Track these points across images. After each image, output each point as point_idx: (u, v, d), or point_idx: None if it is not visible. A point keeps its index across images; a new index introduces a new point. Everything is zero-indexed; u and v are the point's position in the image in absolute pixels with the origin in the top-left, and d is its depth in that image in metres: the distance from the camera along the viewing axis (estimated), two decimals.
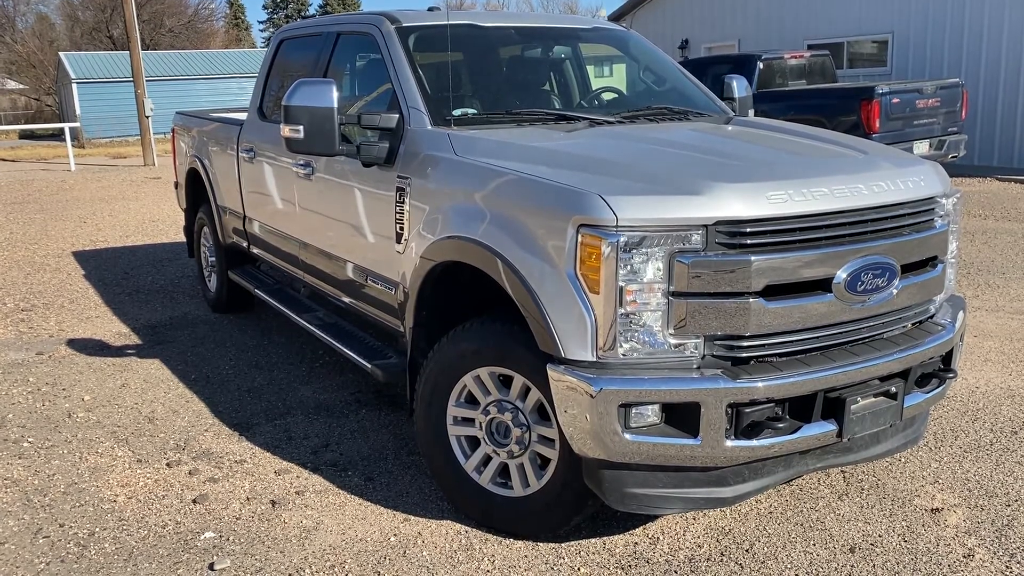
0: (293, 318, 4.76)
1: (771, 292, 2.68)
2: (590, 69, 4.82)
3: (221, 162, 5.73)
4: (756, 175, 2.83)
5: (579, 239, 2.65)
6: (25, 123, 36.59)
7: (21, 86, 47.33)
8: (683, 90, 4.35)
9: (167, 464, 3.85)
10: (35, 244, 9.44)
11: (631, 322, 2.65)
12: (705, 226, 2.62)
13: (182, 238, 8.12)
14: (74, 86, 30.65)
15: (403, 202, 3.51)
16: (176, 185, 6.93)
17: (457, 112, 3.61)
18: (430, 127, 3.53)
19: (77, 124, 27.04)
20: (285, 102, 3.51)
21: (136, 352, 5.45)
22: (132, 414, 4.44)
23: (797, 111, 10.00)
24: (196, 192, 6.41)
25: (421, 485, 3.60)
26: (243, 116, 5.58)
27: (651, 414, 2.71)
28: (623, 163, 3.00)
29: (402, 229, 3.54)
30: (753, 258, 2.62)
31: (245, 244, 5.54)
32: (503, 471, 3.20)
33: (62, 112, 35.29)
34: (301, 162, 4.37)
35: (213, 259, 6.26)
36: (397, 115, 3.61)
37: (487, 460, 3.22)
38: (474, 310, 3.31)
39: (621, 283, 2.61)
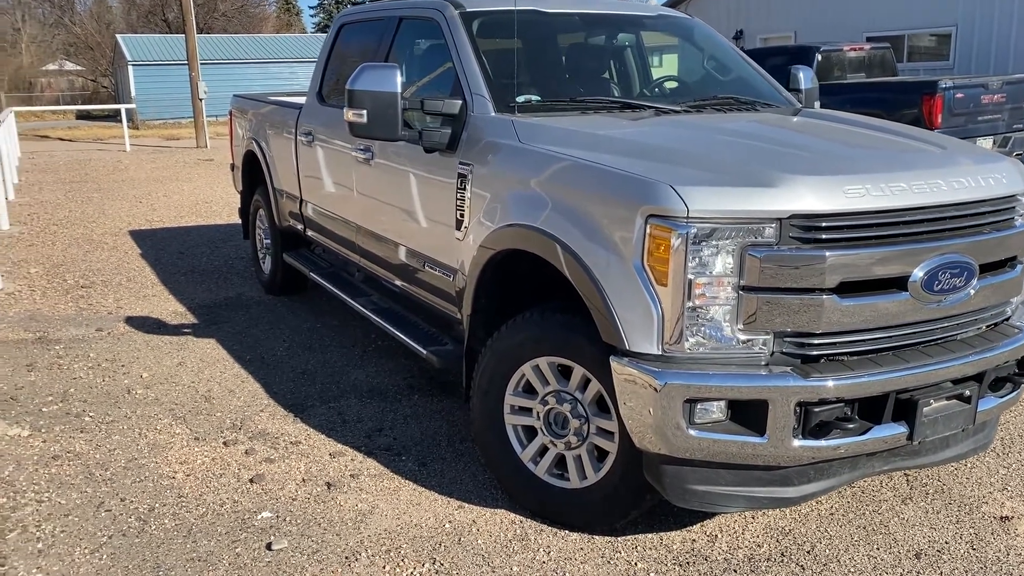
0: (348, 302, 4.79)
1: (845, 289, 2.61)
2: None
3: (278, 145, 5.77)
4: (832, 168, 2.76)
5: (648, 230, 2.60)
6: (82, 104, 37.38)
7: (79, 68, 48.38)
8: (749, 80, 4.26)
9: (224, 443, 3.89)
10: (93, 222, 9.64)
11: (699, 316, 2.60)
12: (779, 219, 2.55)
13: (235, 220, 8.26)
14: (130, 68, 31.20)
15: (464, 189, 3.49)
16: (232, 167, 7.00)
17: (520, 99, 3.58)
18: (493, 114, 3.50)
19: (132, 105, 27.52)
20: (349, 86, 3.51)
21: (192, 331, 5.53)
22: (189, 392, 4.50)
23: (856, 104, 9.74)
24: (252, 175, 6.47)
25: (475, 473, 3.59)
26: (301, 100, 5.60)
27: (716, 410, 2.66)
28: (693, 153, 2.94)
29: (462, 216, 3.52)
30: (828, 254, 2.55)
31: (300, 227, 5.57)
32: (559, 462, 3.17)
33: (117, 94, 35.97)
34: (361, 147, 4.37)
35: (268, 241, 6.32)
36: (460, 101, 3.59)
37: (543, 450, 3.20)
38: (534, 299, 3.29)
39: (690, 276, 2.56)
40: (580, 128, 3.29)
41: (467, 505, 3.33)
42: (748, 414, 2.64)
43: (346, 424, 4.11)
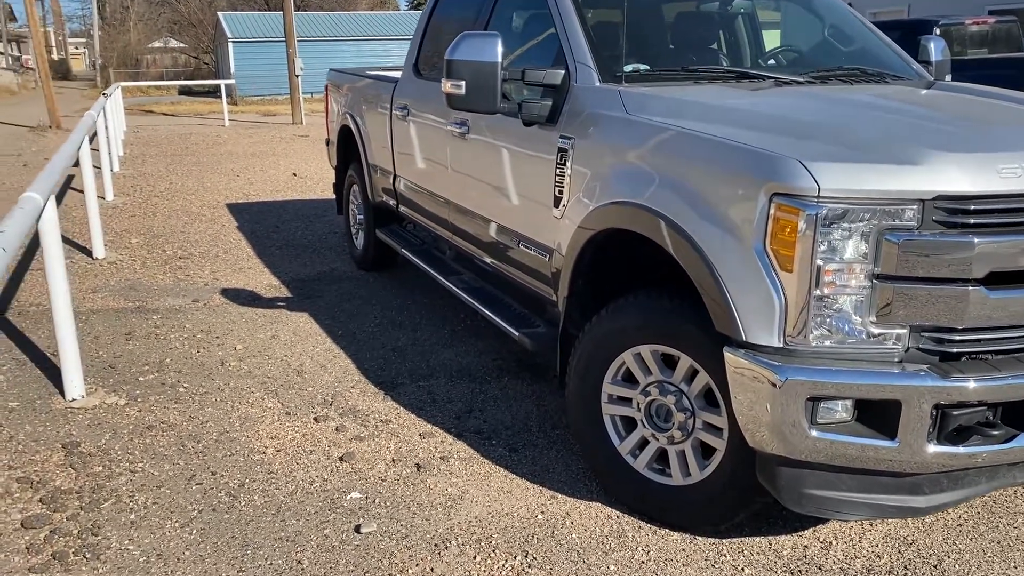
0: (440, 280, 4.68)
1: (993, 280, 2.33)
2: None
3: (373, 120, 5.70)
4: (983, 145, 2.47)
5: (772, 210, 2.37)
6: (184, 80, 38.64)
7: (182, 45, 50.02)
8: (875, 51, 3.93)
9: (315, 419, 3.84)
10: (192, 195, 9.85)
11: (826, 306, 2.36)
12: (922, 201, 2.29)
13: (329, 195, 8.27)
14: (230, 45, 32.06)
15: (564, 164, 3.31)
16: (327, 142, 6.99)
17: (628, 68, 3.37)
18: (598, 84, 3.30)
19: (232, 81, 28.24)
20: (448, 56, 3.37)
21: (286, 305, 5.54)
22: (282, 366, 4.48)
23: (979, 82, 9.12)
24: (347, 150, 6.44)
25: (568, 461, 3.44)
26: (397, 75, 5.51)
27: (842, 410, 2.43)
28: (823, 126, 2.68)
29: (561, 193, 3.34)
30: (977, 240, 2.27)
31: (393, 203, 5.50)
32: (661, 456, 2.98)
33: (218, 70, 37.03)
34: (456, 121, 4.24)
35: (361, 217, 6.28)
36: (563, 71, 3.40)
37: (644, 443, 3.01)
38: (637, 283, 3.09)
39: (818, 262, 2.32)
40: (694, 99, 3.06)
41: (560, 496, 3.18)
42: (877, 415, 2.40)
43: (436, 404, 4.02)
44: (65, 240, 7.29)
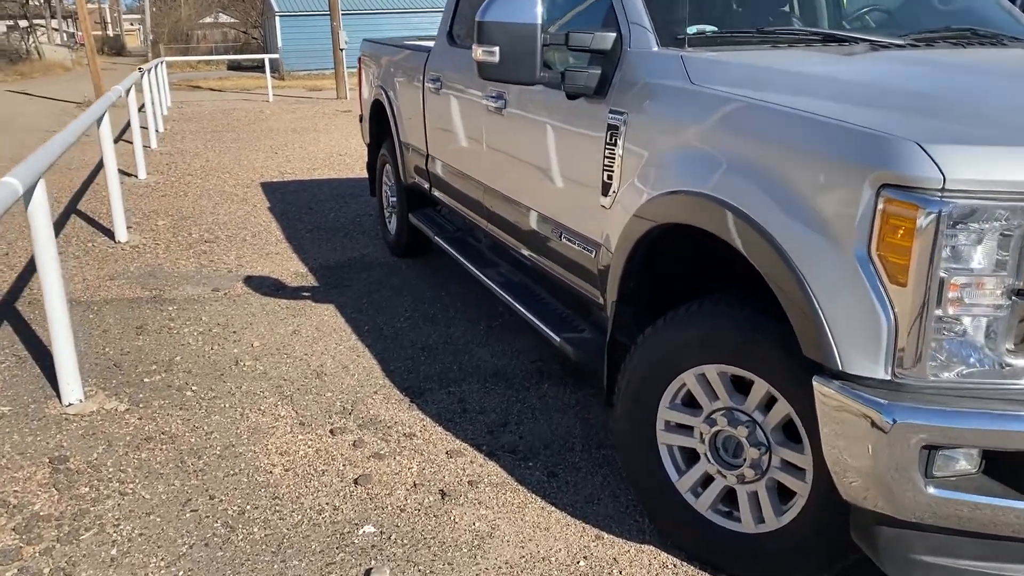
0: (475, 273, 4.22)
1: None
2: None
3: (406, 94, 5.23)
4: None
5: (880, 205, 1.85)
6: (232, 55, 38.63)
7: (232, 20, 50.12)
8: (984, 9, 3.33)
9: (331, 431, 3.43)
10: (227, 173, 9.52)
11: (950, 329, 1.84)
12: None
13: (366, 174, 7.85)
14: (277, 19, 31.83)
15: (615, 144, 2.80)
16: (360, 118, 6.56)
17: (692, 30, 2.84)
18: (656, 48, 2.78)
19: (276, 56, 28.03)
20: (479, 17, 2.87)
21: (311, 295, 5.14)
22: (300, 367, 4.08)
23: None
24: (380, 126, 5.99)
25: (615, 490, 2.97)
26: (432, 44, 5.03)
27: (965, 461, 1.91)
28: (943, 99, 2.14)
29: (610, 178, 2.84)
30: None
31: (426, 185, 5.04)
32: (728, 496, 2.50)
33: (266, 44, 36.91)
34: (492, 94, 3.75)
35: (394, 199, 5.84)
36: (614, 33, 2.88)
37: (707, 480, 2.53)
38: (702, 287, 2.60)
39: (942, 273, 1.80)
40: (774, 65, 2.52)
41: (606, 535, 2.72)
42: (1012, 469, 1.88)
43: (466, 414, 3.57)
44: (89, 221, 7.02)
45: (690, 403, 2.54)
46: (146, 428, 3.46)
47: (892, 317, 1.87)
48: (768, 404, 2.33)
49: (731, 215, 2.21)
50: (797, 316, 2.03)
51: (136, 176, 9.09)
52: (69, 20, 53.82)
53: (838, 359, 1.95)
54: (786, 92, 2.28)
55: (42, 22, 49.74)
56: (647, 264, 2.73)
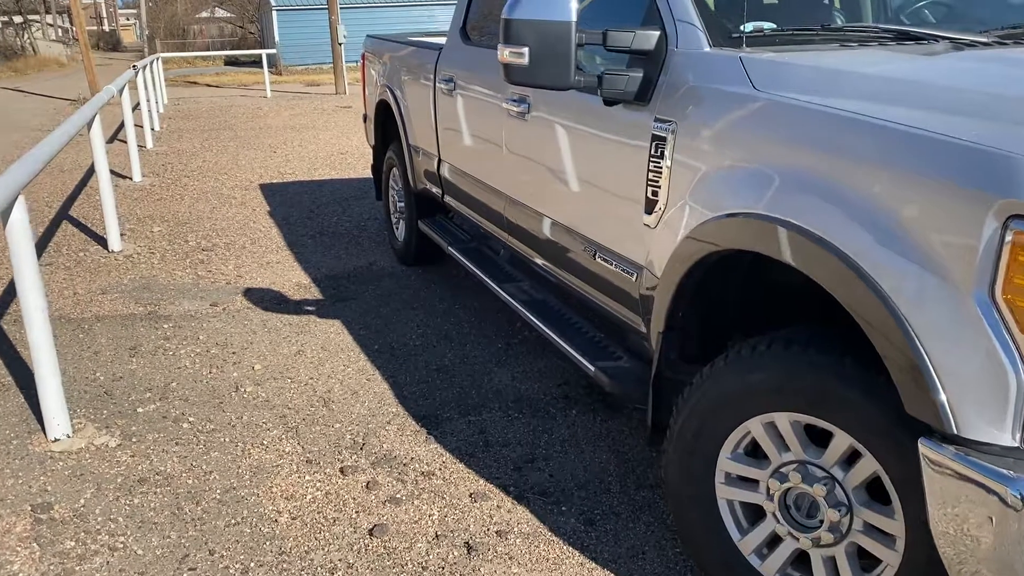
0: (494, 289, 3.91)
1: None
2: None
3: (415, 93, 4.91)
4: None
5: (1009, 238, 1.54)
6: (231, 49, 38.19)
7: (229, 14, 49.65)
8: None
9: (341, 470, 3.12)
10: (225, 174, 9.20)
11: None
12: None
13: (370, 174, 7.55)
14: (274, 13, 31.41)
15: (660, 156, 2.49)
16: (365, 118, 6.23)
17: (748, 27, 2.52)
18: (708, 48, 2.47)
19: (274, 51, 27.60)
20: (506, 14, 2.55)
21: (316, 310, 4.83)
22: (306, 392, 3.77)
23: None
24: (386, 127, 5.67)
25: (659, 540, 2.67)
26: (442, 41, 4.71)
27: None
28: None
29: (655, 195, 2.53)
30: None
31: (438, 192, 4.72)
32: (799, 559, 2.19)
33: (263, 39, 36.47)
34: (514, 97, 3.44)
35: (402, 205, 5.52)
36: (658, 32, 2.57)
37: (774, 541, 2.22)
38: (771, 320, 2.29)
39: None
40: (852, 69, 2.20)
41: None
42: None
43: (489, 448, 3.27)
44: (82, 228, 6.70)
45: (754, 452, 2.23)
46: (139, 467, 3.15)
47: (1021, 372, 1.56)
48: (851, 459, 2.03)
49: (812, 244, 1.90)
50: (899, 368, 1.72)
51: (131, 178, 8.76)
52: (64, 15, 53.29)
53: (952, 421, 1.64)
54: (872, 101, 1.96)
55: (37, 17, 49.26)
56: (700, 292, 2.42)
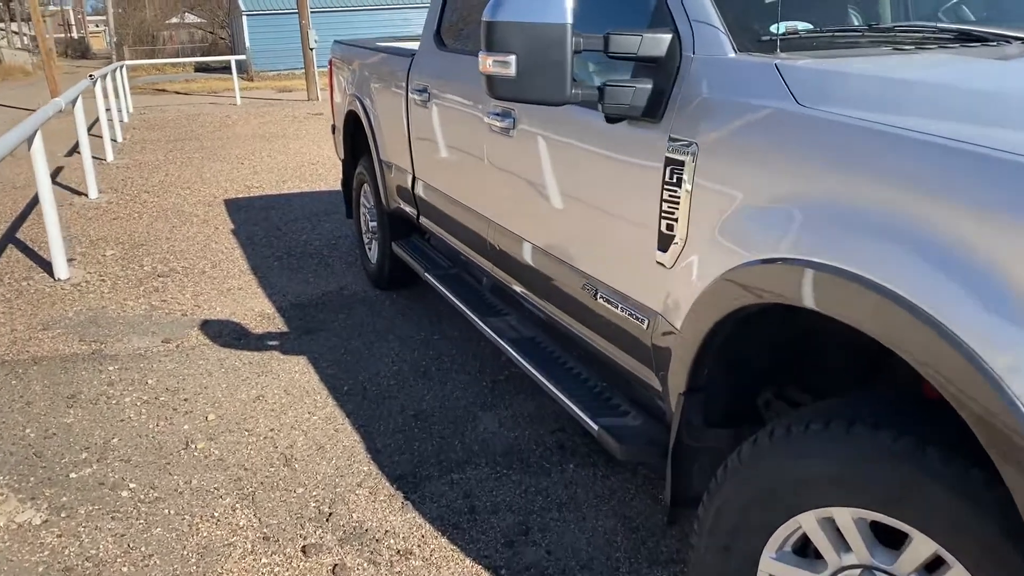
0: (478, 325, 3.47)
1: None
2: None
3: (386, 104, 4.47)
4: None
5: None
6: (201, 56, 37.46)
7: (199, 20, 48.82)
8: None
9: (303, 549, 2.68)
10: (188, 189, 8.69)
11: None
12: None
13: (340, 188, 7.10)
14: (244, 18, 30.80)
15: (677, 183, 2.07)
16: (333, 129, 5.78)
17: (780, 27, 2.10)
18: (733, 54, 2.05)
19: (243, 57, 26.98)
20: (488, 15, 2.13)
21: (279, 344, 4.37)
22: (265, 448, 3.32)
23: None
24: (356, 140, 5.23)
25: None
26: (415, 46, 4.28)
27: None
28: None
29: (671, 229, 2.11)
30: None
31: (413, 212, 4.28)
32: None
33: (233, 45, 35.81)
34: (496, 110, 3.01)
35: (374, 224, 5.07)
36: (669, 35, 2.15)
37: None
38: (825, 386, 1.88)
39: None
40: (918, 78, 1.79)
41: None
42: None
43: (475, 517, 2.83)
44: (28, 253, 6.20)
45: (805, 550, 1.82)
46: (66, 552, 2.69)
47: None
48: (930, 566, 1.61)
49: (887, 303, 1.48)
50: (1004, 456, 1.31)
51: (86, 195, 8.24)
52: (30, 23, 52.19)
53: None
54: (953, 120, 1.55)
55: (2, 26, 48.22)
56: (729, 345, 2.01)
